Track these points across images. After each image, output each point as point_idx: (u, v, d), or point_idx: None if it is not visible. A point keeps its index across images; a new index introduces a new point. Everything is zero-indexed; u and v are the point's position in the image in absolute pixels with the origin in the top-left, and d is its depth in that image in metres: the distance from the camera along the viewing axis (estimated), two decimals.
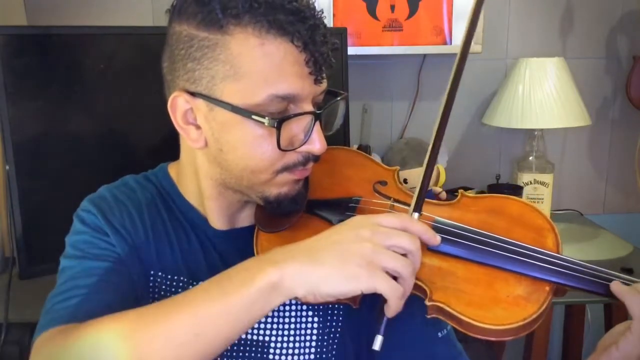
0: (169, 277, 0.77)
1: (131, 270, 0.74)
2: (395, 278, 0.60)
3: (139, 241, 0.76)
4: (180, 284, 0.77)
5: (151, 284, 0.77)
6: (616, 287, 0.66)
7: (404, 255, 0.61)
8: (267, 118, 0.66)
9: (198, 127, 0.71)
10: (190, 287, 0.76)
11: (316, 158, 0.73)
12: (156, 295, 0.77)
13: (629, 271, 1.42)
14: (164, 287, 0.77)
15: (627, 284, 0.66)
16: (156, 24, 1.64)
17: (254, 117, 0.66)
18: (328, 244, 0.61)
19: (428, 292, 0.68)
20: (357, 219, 0.64)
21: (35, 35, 1.20)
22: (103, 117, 1.25)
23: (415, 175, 1.59)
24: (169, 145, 0.80)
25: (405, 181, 1.58)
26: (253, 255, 0.75)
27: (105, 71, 1.23)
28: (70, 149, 1.22)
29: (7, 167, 1.16)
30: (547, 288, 0.68)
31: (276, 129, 0.66)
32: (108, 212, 0.76)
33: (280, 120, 0.66)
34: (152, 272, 0.77)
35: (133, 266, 0.75)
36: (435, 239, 0.67)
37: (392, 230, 0.62)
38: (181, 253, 0.78)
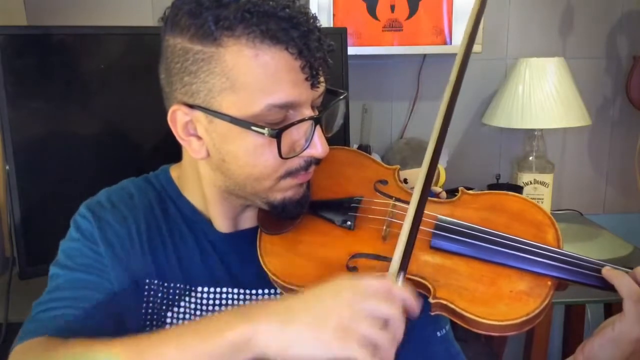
0: (165, 284, 0.77)
1: (119, 286, 0.75)
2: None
3: (133, 250, 0.77)
4: (177, 291, 0.77)
5: (146, 292, 0.77)
6: (606, 271, 0.68)
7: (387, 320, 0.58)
8: (266, 129, 0.65)
9: (199, 138, 0.71)
10: (187, 293, 0.77)
11: (318, 161, 0.73)
12: (150, 304, 0.76)
13: None
14: (160, 294, 0.77)
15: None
16: (156, 24, 1.63)
17: (253, 128, 0.66)
18: (306, 305, 0.59)
19: (432, 289, 0.68)
20: (340, 281, 0.61)
21: (35, 35, 1.19)
22: (103, 117, 1.25)
23: (415, 175, 1.58)
24: (169, 145, 0.79)
25: (405, 181, 1.58)
26: (255, 257, 0.75)
27: (105, 71, 1.23)
28: (70, 149, 1.22)
29: (7, 167, 1.16)
30: (549, 283, 0.69)
31: (276, 139, 0.66)
32: (103, 220, 0.77)
33: (279, 130, 0.66)
34: (147, 281, 0.77)
35: (123, 279, 0.75)
36: (417, 307, 0.61)
37: (374, 295, 0.58)
38: (178, 259, 0.78)
